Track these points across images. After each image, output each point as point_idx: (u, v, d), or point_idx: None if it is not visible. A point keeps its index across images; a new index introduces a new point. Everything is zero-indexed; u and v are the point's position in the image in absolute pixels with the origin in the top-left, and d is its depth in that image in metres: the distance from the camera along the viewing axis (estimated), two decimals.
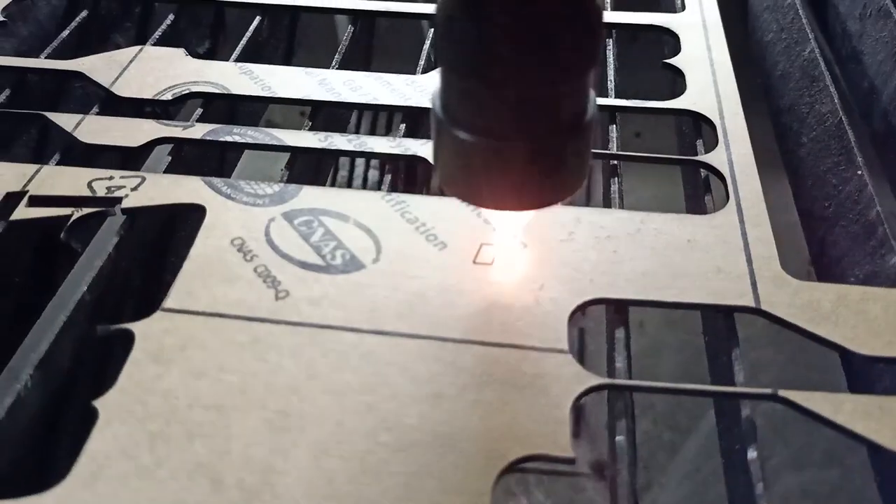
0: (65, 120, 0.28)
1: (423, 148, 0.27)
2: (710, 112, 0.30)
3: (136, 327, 0.21)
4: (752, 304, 0.22)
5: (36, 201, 0.24)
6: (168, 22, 0.35)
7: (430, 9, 0.34)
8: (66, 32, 0.34)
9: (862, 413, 0.19)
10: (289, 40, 0.39)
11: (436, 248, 0.23)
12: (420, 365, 0.20)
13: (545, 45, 0.17)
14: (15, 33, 0.35)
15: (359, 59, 0.34)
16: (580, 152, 0.19)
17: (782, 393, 0.20)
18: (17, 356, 0.20)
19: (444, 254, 0.23)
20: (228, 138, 0.28)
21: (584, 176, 0.20)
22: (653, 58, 0.35)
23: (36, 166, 0.26)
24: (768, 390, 0.20)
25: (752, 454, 0.19)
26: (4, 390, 0.19)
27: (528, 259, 0.23)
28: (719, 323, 0.23)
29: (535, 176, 0.19)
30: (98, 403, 0.19)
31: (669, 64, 0.33)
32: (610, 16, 0.36)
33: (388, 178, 0.26)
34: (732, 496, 0.21)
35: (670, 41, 0.34)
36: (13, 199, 0.24)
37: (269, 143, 0.28)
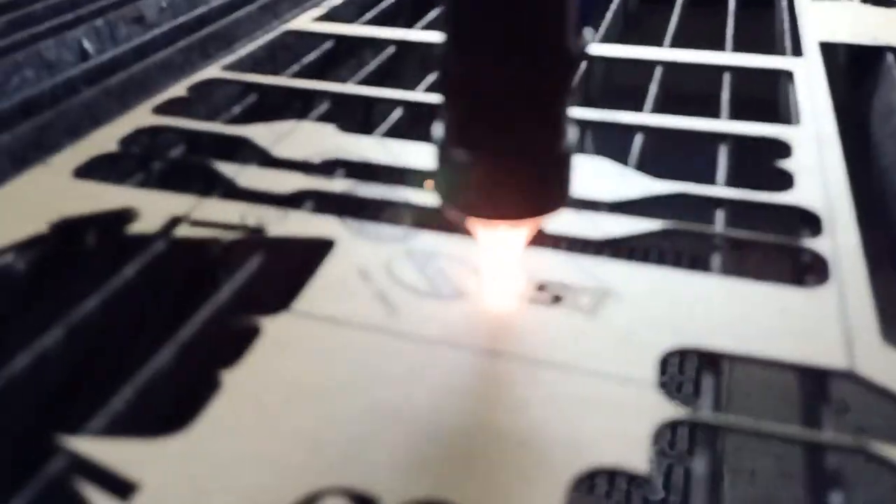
0: (228, 169, 0.32)
1: None
2: (818, 207, 0.30)
3: (265, 322, 0.23)
4: (844, 367, 0.22)
5: (195, 224, 0.28)
6: (322, 110, 0.40)
7: None
8: (237, 109, 0.39)
9: None
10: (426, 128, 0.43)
11: (536, 289, 0.25)
12: (512, 379, 0.22)
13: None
14: (194, 111, 0.41)
15: None
16: (557, 174, 0.22)
17: (870, 447, 0.20)
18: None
19: (542, 294, 0.25)
20: (362, 194, 0.31)
21: (564, 198, 0.22)
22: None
23: (200, 198, 0.30)
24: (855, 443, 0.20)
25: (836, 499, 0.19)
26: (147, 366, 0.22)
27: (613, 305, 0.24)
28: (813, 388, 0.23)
29: (509, 187, 0.21)
30: (224, 375, 0.21)
31: (779, 168, 0.34)
32: (725, 125, 0.38)
33: None
34: None
35: (783, 150, 0.36)
36: (177, 221, 0.28)
37: (396, 200, 0.31)
